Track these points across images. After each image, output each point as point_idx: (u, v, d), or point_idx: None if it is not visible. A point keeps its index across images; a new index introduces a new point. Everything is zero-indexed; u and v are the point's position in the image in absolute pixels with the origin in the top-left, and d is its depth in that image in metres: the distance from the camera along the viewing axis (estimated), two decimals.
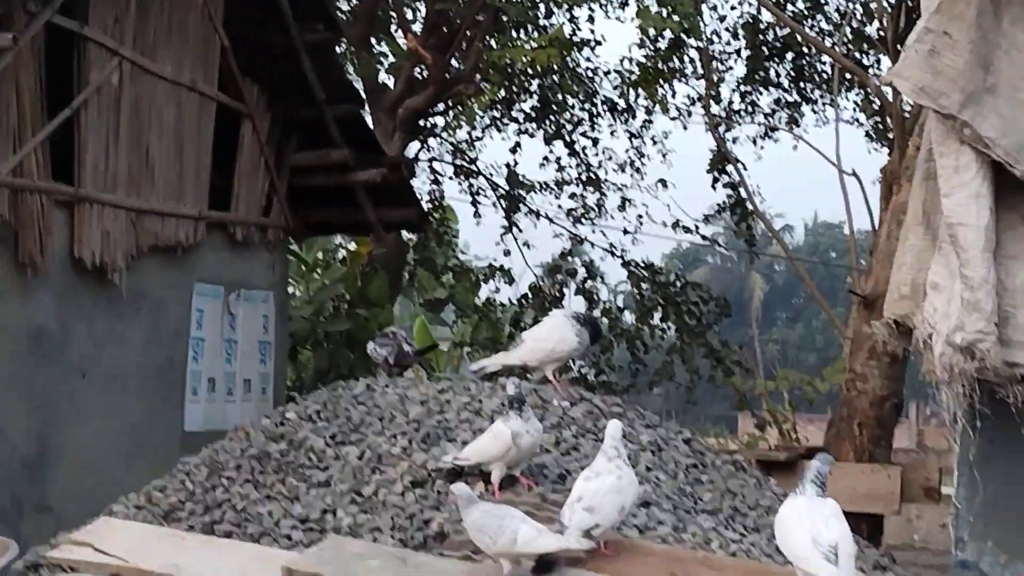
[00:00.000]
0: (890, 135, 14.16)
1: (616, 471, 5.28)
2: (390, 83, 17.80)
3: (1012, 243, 5.85)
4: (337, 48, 13.29)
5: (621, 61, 17.67)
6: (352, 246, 17.71)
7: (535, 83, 18.15)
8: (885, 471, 10.20)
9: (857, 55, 16.37)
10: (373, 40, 17.79)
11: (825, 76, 17.58)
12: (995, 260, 5.71)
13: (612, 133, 18.88)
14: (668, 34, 15.35)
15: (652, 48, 16.30)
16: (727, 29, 17.86)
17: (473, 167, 18.89)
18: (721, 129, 17.97)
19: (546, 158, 18.80)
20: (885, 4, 14.32)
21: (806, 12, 17.06)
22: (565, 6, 16.59)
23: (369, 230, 13.11)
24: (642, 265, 18.47)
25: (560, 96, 18.17)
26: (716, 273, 68.57)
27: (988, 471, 6.06)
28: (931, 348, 5.88)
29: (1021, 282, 5.81)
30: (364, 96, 14.90)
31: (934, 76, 5.73)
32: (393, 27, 18.03)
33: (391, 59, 17.80)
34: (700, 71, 17.68)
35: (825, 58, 16.92)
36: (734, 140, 18.62)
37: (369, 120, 16.05)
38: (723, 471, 6.91)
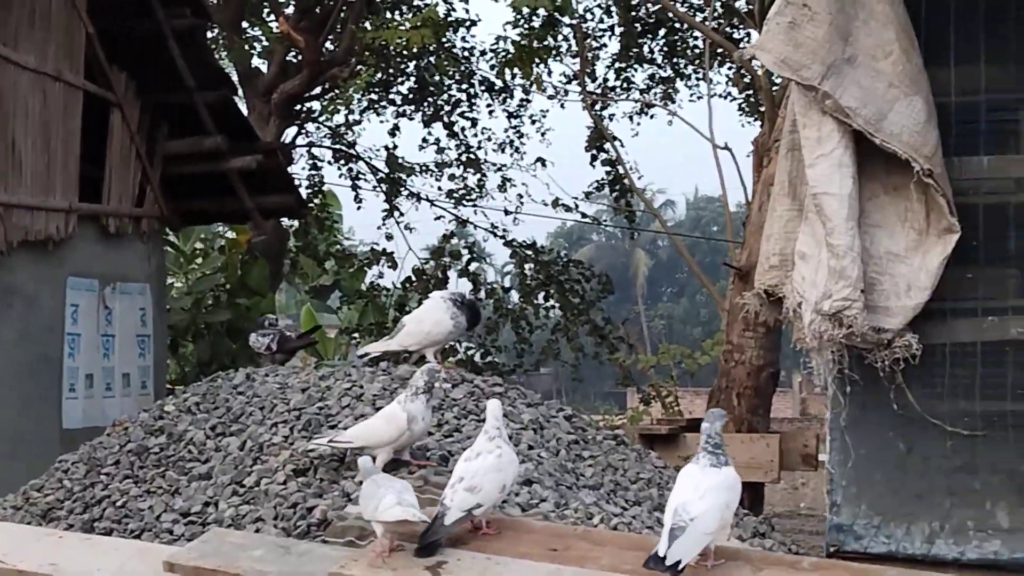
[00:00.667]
0: (761, 108, 14.39)
1: (496, 450, 5.30)
2: (263, 68, 17.63)
3: (875, 211, 5.99)
4: (207, 33, 13.12)
5: (496, 40, 17.73)
6: (231, 234, 17.53)
7: (411, 64, 18.12)
8: (764, 440, 10.36)
9: (728, 29, 16.60)
10: (245, 24, 17.60)
11: (698, 51, 17.80)
12: (859, 228, 5.84)
13: (490, 113, 18.97)
14: (542, 12, 15.42)
15: (527, 27, 16.37)
16: (599, 6, 18.00)
17: (352, 151, 18.82)
18: (597, 107, 18.11)
19: (425, 140, 18.82)
20: None
21: None
22: None
23: (247, 218, 13.00)
24: (525, 245, 18.56)
25: (437, 77, 18.16)
26: (601, 251, 69.11)
27: (859, 435, 6.21)
28: (801, 316, 6.01)
29: (885, 249, 5.96)
30: (237, 82, 14.76)
31: (795, 48, 5.84)
32: (265, 10, 17.85)
33: (264, 43, 17.63)
34: (575, 49, 17.79)
35: (697, 33, 17.12)
36: (611, 117, 18.86)
37: (243, 106, 15.92)
38: (604, 446, 6.99)
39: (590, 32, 17.96)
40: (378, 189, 18.66)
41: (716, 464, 4.73)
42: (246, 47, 16.96)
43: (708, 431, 4.81)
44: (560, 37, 17.65)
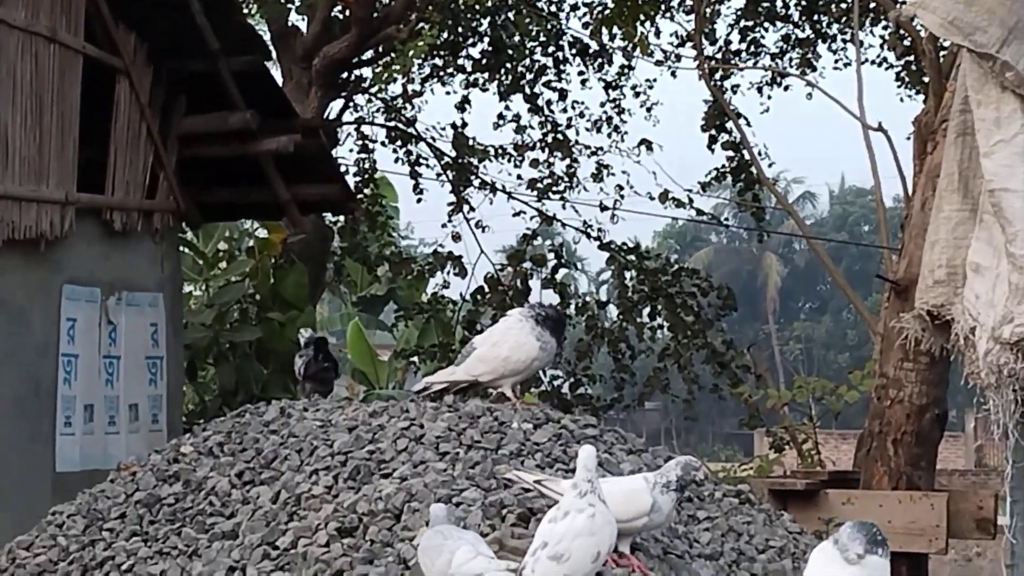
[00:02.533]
0: (924, 79, 14.27)
1: (589, 508, 5.34)
2: (303, 26, 17.80)
3: None
4: None
5: None
6: (261, 233, 17.71)
7: (485, 22, 18.20)
8: (927, 499, 10.26)
9: None
10: None
11: (844, 7, 17.69)
12: None
13: (583, 83, 18.98)
14: None
15: None
16: None
17: (411, 130, 18.91)
18: (717, 76, 18.06)
19: (502, 116, 18.85)
20: None
21: None
22: None
23: (282, 213, 13.11)
24: (626, 248, 18.57)
25: (517, 38, 18.22)
26: (722, 257, 69.02)
27: None
28: (974, 345, 5.97)
29: None
30: (270, 44, 14.89)
31: (967, 6, 5.82)
32: None
33: None
34: (689, 3, 17.77)
35: None
36: (734, 89, 18.73)
37: (277, 74, 16.08)
38: (725, 505, 6.99)
39: None
40: (443, 177, 18.74)
41: (862, 554, 4.53)
42: (282, 2, 17.14)
43: (851, 534, 4.56)
44: None
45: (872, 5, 16.48)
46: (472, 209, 18.67)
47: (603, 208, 18.69)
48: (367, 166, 18.86)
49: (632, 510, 5.86)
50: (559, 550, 5.20)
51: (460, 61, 18.64)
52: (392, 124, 19.04)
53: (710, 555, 6.39)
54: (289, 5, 17.54)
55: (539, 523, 5.55)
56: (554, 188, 18.66)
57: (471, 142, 18.51)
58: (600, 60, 18.77)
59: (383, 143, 18.98)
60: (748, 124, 18.00)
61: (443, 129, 18.73)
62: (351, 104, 18.76)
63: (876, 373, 11.78)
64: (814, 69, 18.58)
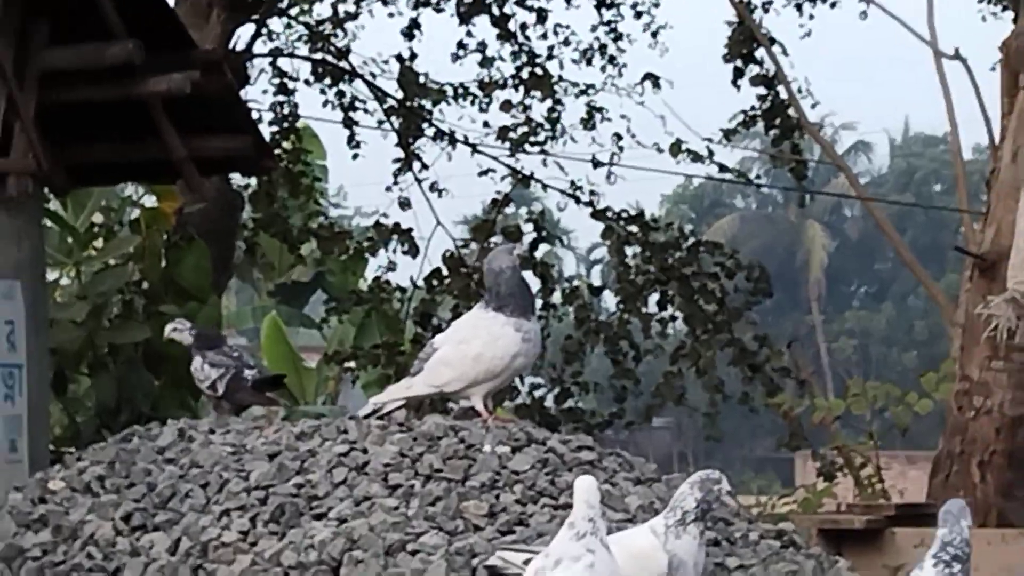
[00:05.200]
0: None
1: (587, 556, 5.35)
2: None
3: None
4: None
5: None
6: (150, 202, 17.66)
7: None
8: None
9: None
10: None
11: None
12: None
13: (568, 1, 18.95)
14: None
15: None
16: None
17: (344, 64, 18.89)
18: None
19: (462, 46, 18.84)
20: None
21: None
22: None
23: (176, 174, 13.09)
24: (626, 216, 18.57)
25: None
26: (751, 227, 69.29)
27: None
28: None
29: None
30: None
31: None
32: None
33: None
34: None
35: None
36: (766, 7, 18.74)
37: None
38: (763, 550, 7.01)
39: None
40: (386, 125, 18.73)
41: None
42: None
43: (949, 538, 4.87)
44: None
45: None
46: (425, 167, 18.66)
47: (596, 164, 18.70)
48: (287, 112, 18.82)
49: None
50: None
51: None
52: (318, 57, 19.00)
53: None
54: None
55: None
56: (531, 138, 18.65)
57: (422, 79, 18.48)
58: None
59: (307, 81, 18.95)
60: (785, 53, 18.05)
61: (386, 63, 18.72)
62: (265, 31, 18.72)
63: (956, 376, 11.81)
64: None
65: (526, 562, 6.00)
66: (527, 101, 18.72)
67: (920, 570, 4.92)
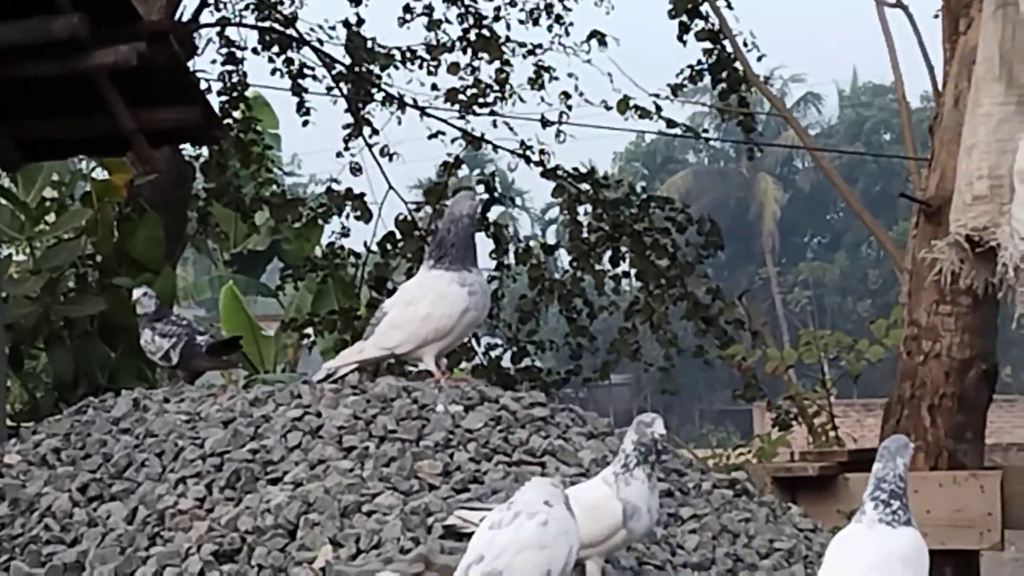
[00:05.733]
0: None
1: (542, 513, 5.35)
2: None
3: None
4: None
5: None
6: (100, 175, 17.60)
7: None
8: (976, 481, 10.34)
9: None
10: None
11: None
12: None
13: None
14: None
15: None
16: None
17: (291, 31, 18.84)
18: None
19: (408, 9, 18.80)
20: None
21: None
22: None
23: (126, 147, 13.05)
24: (577, 174, 18.57)
25: None
26: (703, 181, 69.41)
27: None
28: None
29: None
30: None
31: None
32: None
33: None
34: None
35: None
36: None
37: None
38: (716, 499, 7.03)
39: None
40: (336, 92, 18.70)
41: (890, 521, 4.80)
42: None
43: (882, 473, 4.88)
44: None
45: None
46: (375, 132, 18.63)
47: (545, 124, 18.68)
48: (235, 81, 18.76)
49: (603, 527, 5.89)
50: (496, 566, 5.20)
51: None
52: (266, 25, 18.95)
53: (698, 564, 6.42)
54: None
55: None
56: (481, 100, 18.64)
57: (370, 44, 18.45)
58: None
59: (255, 50, 18.89)
60: (730, 7, 17.99)
61: (332, 29, 18.68)
62: (211, 0, 18.66)
63: (905, 322, 11.83)
64: None
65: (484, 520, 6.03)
66: (475, 63, 18.73)
67: (862, 514, 4.92)
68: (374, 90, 18.65)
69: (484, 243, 18.17)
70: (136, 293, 8.86)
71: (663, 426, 5.97)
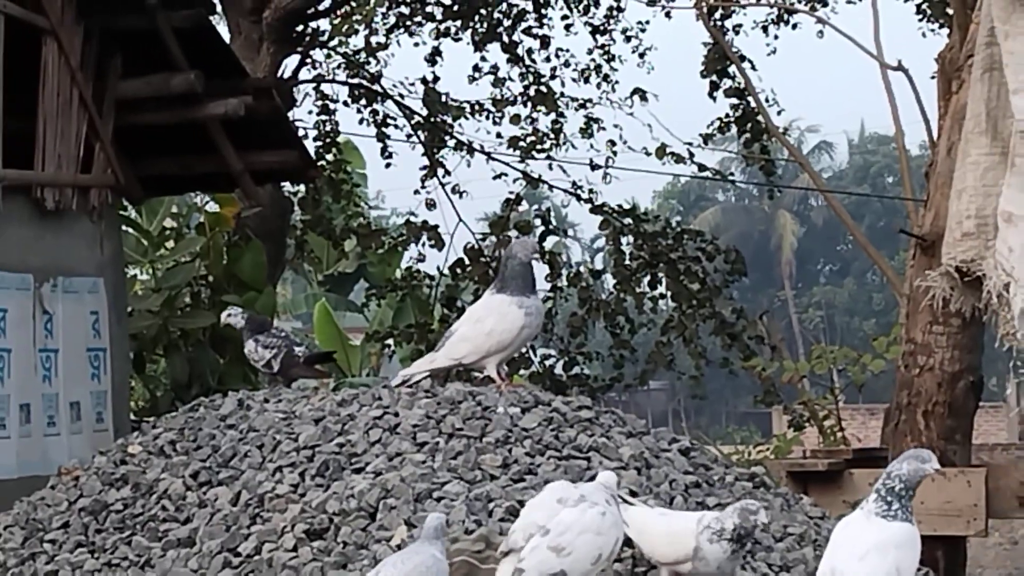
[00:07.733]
0: (948, 11, 14.26)
1: (603, 505, 5.35)
2: None
3: None
4: None
5: None
6: (212, 208, 17.67)
7: None
8: (964, 476, 10.29)
9: None
10: None
11: None
12: None
13: (568, 28, 18.94)
14: None
15: None
16: None
17: (376, 87, 18.89)
18: (717, 15, 18.04)
19: (477, 68, 18.83)
20: None
21: None
22: None
23: (234, 184, 13.10)
24: (621, 211, 18.57)
25: None
26: (729, 217, 69.14)
27: None
28: (1008, 303, 5.99)
29: None
30: None
31: None
32: None
33: None
34: None
35: None
36: (736, 29, 18.71)
37: (224, 30, 16.03)
38: (738, 490, 7.02)
39: None
40: (414, 138, 18.73)
41: (886, 514, 4.79)
42: None
43: (895, 471, 4.88)
44: None
45: None
46: (448, 173, 18.65)
47: (594, 167, 18.70)
48: (328, 129, 18.82)
49: (671, 552, 5.88)
50: (561, 542, 5.19)
51: (429, 8, 18.59)
52: (355, 81, 19.00)
53: None
54: None
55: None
56: (538, 146, 18.65)
57: (444, 98, 18.48)
58: (585, 1, 18.75)
59: (345, 103, 18.94)
60: (753, 68, 18.01)
61: (412, 85, 18.71)
62: (308, 60, 18.71)
63: (903, 339, 11.83)
64: (824, 4, 18.53)
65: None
66: (534, 115, 18.75)
67: (865, 503, 4.93)
68: (447, 137, 18.68)
69: (540, 268, 18.21)
70: (223, 317, 8.94)
71: (765, 516, 5.90)
